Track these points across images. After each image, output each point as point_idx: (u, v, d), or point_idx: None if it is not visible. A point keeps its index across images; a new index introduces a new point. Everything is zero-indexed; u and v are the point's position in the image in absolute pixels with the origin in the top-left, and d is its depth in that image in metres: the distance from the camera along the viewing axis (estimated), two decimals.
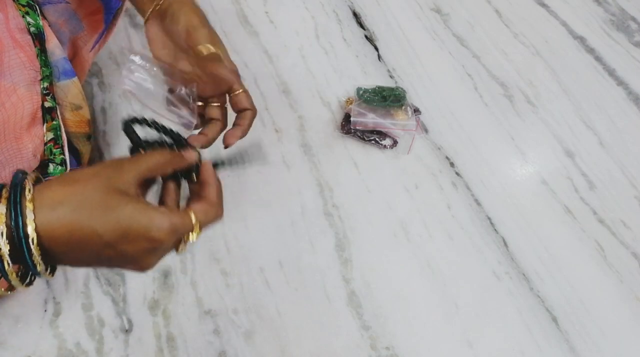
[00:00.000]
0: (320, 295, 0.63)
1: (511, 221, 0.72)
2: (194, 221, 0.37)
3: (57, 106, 0.54)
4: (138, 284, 0.62)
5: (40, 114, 0.51)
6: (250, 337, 0.60)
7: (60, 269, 0.62)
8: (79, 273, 0.62)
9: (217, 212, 0.39)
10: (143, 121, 0.41)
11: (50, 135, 0.53)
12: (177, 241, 0.37)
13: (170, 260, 0.64)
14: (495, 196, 0.74)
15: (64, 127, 0.57)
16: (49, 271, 0.33)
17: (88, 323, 0.59)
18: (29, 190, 0.31)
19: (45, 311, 0.59)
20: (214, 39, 0.48)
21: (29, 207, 0.31)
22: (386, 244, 0.68)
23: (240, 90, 0.46)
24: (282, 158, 0.74)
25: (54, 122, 0.53)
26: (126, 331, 0.59)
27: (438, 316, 0.63)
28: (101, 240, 0.32)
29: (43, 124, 0.52)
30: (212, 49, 0.47)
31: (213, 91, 0.47)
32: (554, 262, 0.69)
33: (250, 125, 0.47)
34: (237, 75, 0.47)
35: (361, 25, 0.92)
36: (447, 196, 0.73)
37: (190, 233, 0.37)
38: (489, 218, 0.72)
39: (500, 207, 0.73)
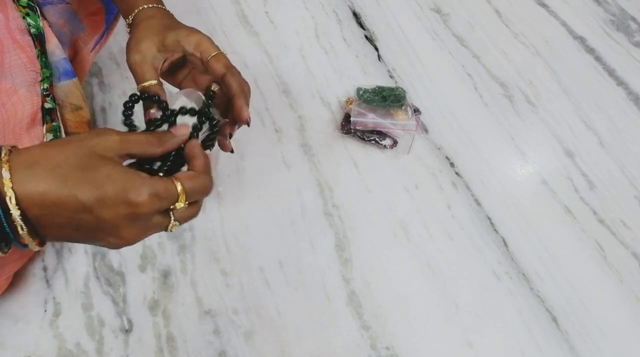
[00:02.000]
0: (320, 295, 0.63)
1: (511, 221, 0.72)
2: (179, 188, 0.34)
3: (57, 107, 0.55)
4: (138, 284, 0.62)
5: (40, 115, 0.51)
6: (250, 337, 0.60)
7: (60, 269, 0.62)
8: (79, 273, 0.62)
9: (204, 182, 0.36)
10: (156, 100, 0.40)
11: (50, 136, 0.53)
12: (164, 215, 0.35)
13: (170, 260, 0.64)
14: (495, 196, 0.74)
15: (64, 128, 0.57)
16: (32, 237, 0.31)
17: (88, 323, 0.59)
18: (5, 153, 0.31)
19: (45, 311, 0.59)
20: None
21: (4, 167, 0.30)
22: (386, 244, 0.68)
23: (217, 52, 0.45)
24: (282, 158, 0.74)
25: (54, 123, 0.53)
26: (126, 331, 0.59)
27: (438, 316, 0.63)
28: (77, 202, 0.30)
29: (43, 125, 0.52)
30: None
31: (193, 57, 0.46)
32: (554, 262, 0.69)
33: (242, 85, 0.45)
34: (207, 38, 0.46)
35: (361, 25, 0.92)
36: (447, 196, 0.73)
37: (177, 203, 0.34)
38: (489, 218, 0.72)
39: (500, 207, 0.73)
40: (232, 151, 0.49)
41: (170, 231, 0.36)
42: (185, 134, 0.39)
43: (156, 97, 0.41)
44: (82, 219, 0.31)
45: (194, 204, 0.37)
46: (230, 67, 0.45)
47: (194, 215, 0.37)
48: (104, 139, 0.33)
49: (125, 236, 0.33)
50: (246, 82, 0.46)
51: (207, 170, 0.38)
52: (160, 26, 0.46)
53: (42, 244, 0.33)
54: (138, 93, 0.41)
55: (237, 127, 0.48)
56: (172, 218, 0.35)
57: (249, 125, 0.46)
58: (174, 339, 0.59)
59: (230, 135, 0.47)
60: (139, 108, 0.43)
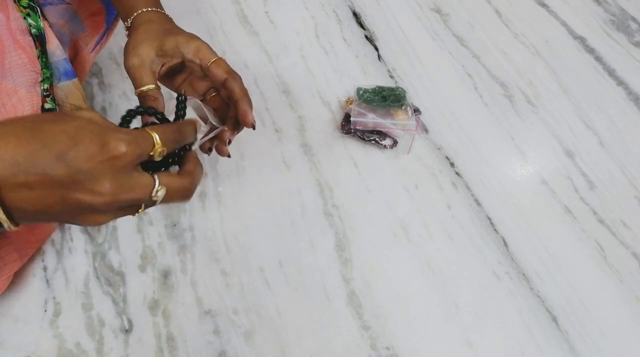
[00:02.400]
0: (320, 295, 0.63)
1: (511, 221, 0.72)
2: (155, 137, 0.33)
3: (57, 107, 0.55)
4: (138, 284, 0.62)
5: None
6: (250, 337, 0.60)
7: (60, 269, 0.62)
8: (79, 273, 0.62)
9: (178, 131, 0.36)
10: (151, 112, 0.41)
11: None
12: (142, 175, 0.33)
13: (170, 260, 0.64)
14: (495, 196, 0.74)
15: None
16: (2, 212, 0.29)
17: (88, 323, 0.59)
18: None
19: (45, 311, 0.59)
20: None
21: None
22: (386, 244, 0.68)
23: (217, 57, 0.45)
24: (282, 158, 0.74)
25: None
26: (126, 331, 0.59)
27: (438, 316, 0.63)
28: (49, 151, 0.28)
29: None
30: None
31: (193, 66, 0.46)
32: (554, 262, 0.69)
33: (244, 90, 0.45)
34: (208, 47, 0.46)
35: (361, 25, 0.92)
36: (447, 196, 0.73)
37: (155, 148, 0.33)
38: (489, 218, 0.72)
39: (500, 207, 0.73)
40: (229, 156, 0.49)
41: (156, 200, 0.34)
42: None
43: (153, 109, 0.41)
44: (55, 173, 0.29)
45: (186, 175, 0.36)
46: (231, 72, 0.45)
47: (186, 188, 0.36)
48: (85, 111, 0.33)
49: (103, 190, 0.30)
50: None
51: (179, 125, 0.38)
52: (159, 31, 0.46)
53: (15, 223, 0.31)
54: (134, 108, 0.41)
55: (236, 132, 0.48)
56: (157, 182, 0.33)
57: (254, 129, 0.46)
58: (174, 339, 0.59)
59: (229, 142, 0.47)
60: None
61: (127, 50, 0.45)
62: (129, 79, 0.45)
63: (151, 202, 0.34)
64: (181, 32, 0.46)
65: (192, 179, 0.37)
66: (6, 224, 0.30)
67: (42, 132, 0.29)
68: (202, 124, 0.44)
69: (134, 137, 0.32)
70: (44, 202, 0.30)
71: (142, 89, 0.43)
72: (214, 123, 0.45)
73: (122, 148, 0.30)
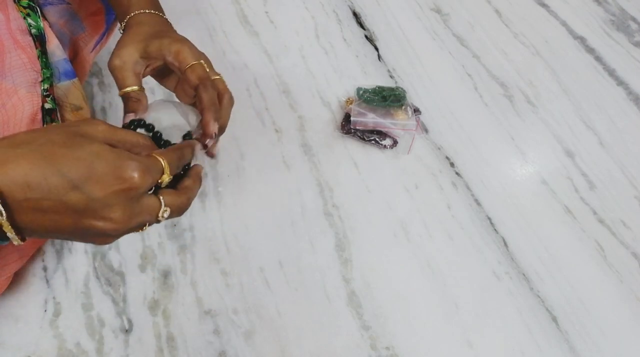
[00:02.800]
0: (320, 295, 0.63)
1: (511, 221, 0.72)
2: (162, 163, 0.34)
3: (57, 107, 0.55)
4: (138, 284, 0.62)
5: (40, 115, 0.51)
6: (250, 337, 0.60)
7: (60, 269, 0.62)
8: (79, 273, 0.62)
9: (180, 156, 0.37)
10: (143, 126, 0.41)
11: None
12: (154, 198, 0.34)
13: (170, 260, 0.64)
14: (495, 196, 0.74)
15: None
16: (11, 225, 0.29)
17: (88, 323, 0.59)
18: None
19: (45, 311, 0.59)
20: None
21: None
22: (386, 244, 0.68)
23: (194, 62, 0.44)
24: (282, 158, 0.74)
25: (54, 124, 0.53)
26: (126, 331, 0.59)
27: (438, 316, 0.63)
28: (64, 179, 0.29)
29: (43, 126, 0.52)
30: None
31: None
32: (554, 262, 0.69)
33: (212, 99, 0.43)
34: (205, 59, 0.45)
35: (361, 25, 0.92)
36: (447, 196, 0.73)
37: (163, 176, 0.34)
38: (489, 218, 0.72)
39: (500, 207, 0.73)
40: (212, 157, 0.48)
41: (161, 219, 0.35)
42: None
43: (143, 122, 0.41)
44: (71, 200, 0.29)
45: (184, 192, 0.37)
46: (204, 79, 0.43)
47: (184, 204, 0.37)
48: (91, 123, 0.33)
49: (115, 218, 0.31)
50: (227, 91, 0.45)
51: (183, 145, 0.39)
52: (147, 33, 0.46)
53: (23, 238, 0.31)
54: (128, 122, 0.41)
55: (209, 140, 0.46)
56: (163, 203, 0.35)
57: (213, 137, 0.44)
58: (174, 339, 0.59)
59: (205, 146, 0.46)
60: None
61: (113, 52, 0.45)
62: None
63: (156, 222, 0.35)
64: (168, 35, 0.46)
65: (189, 196, 0.38)
66: (16, 241, 0.31)
67: (55, 158, 0.29)
68: (200, 146, 0.44)
69: (146, 166, 0.32)
70: (55, 226, 0.30)
71: (125, 90, 0.43)
72: (191, 127, 0.44)
73: (136, 179, 0.31)
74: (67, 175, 0.29)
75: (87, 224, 0.31)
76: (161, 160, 0.34)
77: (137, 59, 0.45)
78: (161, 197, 0.35)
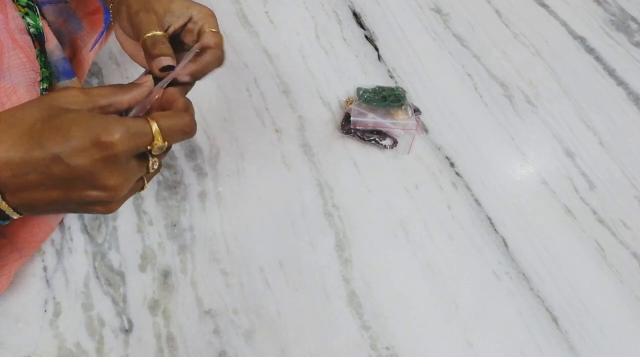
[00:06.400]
0: (320, 295, 0.63)
1: (511, 221, 0.72)
2: (153, 128, 0.31)
3: None
4: (138, 284, 0.62)
5: None
6: (250, 337, 0.60)
7: (60, 269, 0.62)
8: (79, 273, 0.62)
9: (182, 120, 0.33)
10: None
11: None
12: (142, 159, 0.32)
13: (170, 260, 0.64)
14: (495, 196, 0.74)
15: None
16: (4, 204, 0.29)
17: (88, 323, 0.59)
18: None
19: (45, 311, 0.59)
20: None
21: None
22: (386, 244, 0.68)
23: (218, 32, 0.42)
24: (282, 158, 0.74)
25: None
26: (126, 331, 0.59)
27: (438, 315, 0.63)
28: (44, 152, 0.28)
29: None
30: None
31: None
32: (554, 262, 0.69)
33: (211, 63, 0.41)
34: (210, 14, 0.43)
35: (361, 25, 0.92)
36: (447, 196, 0.73)
37: (154, 143, 0.32)
38: (489, 218, 0.72)
39: (500, 207, 0.73)
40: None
41: (153, 170, 0.33)
42: (150, 80, 0.36)
43: (173, 67, 0.38)
44: (54, 172, 0.29)
45: (180, 113, 0.35)
46: (219, 46, 0.42)
47: (187, 123, 0.34)
48: (65, 93, 0.31)
49: (108, 184, 0.30)
50: (222, 58, 0.43)
51: (186, 108, 0.36)
52: None
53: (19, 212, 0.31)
54: (162, 67, 0.38)
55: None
56: (150, 157, 0.33)
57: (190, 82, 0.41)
58: (174, 339, 0.59)
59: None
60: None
61: (130, 10, 0.41)
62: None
63: (155, 172, 0.34)
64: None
65: (191, 113, 0.36)
66: (15, 215, 0.30)
67: (34, 131, 0.28)
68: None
69: (127, 129, 0.30)
70: (48, 200, 0.30)
71: (148, 34, 0.39)
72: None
73: (117, 144, 0.29)
74: (47, 148, 0.28)
75: (79, 194, 0.30)
76: (153, 124, 0.32)
77: (164, 14, 0.42)
78: (149, 153, 0.32)
